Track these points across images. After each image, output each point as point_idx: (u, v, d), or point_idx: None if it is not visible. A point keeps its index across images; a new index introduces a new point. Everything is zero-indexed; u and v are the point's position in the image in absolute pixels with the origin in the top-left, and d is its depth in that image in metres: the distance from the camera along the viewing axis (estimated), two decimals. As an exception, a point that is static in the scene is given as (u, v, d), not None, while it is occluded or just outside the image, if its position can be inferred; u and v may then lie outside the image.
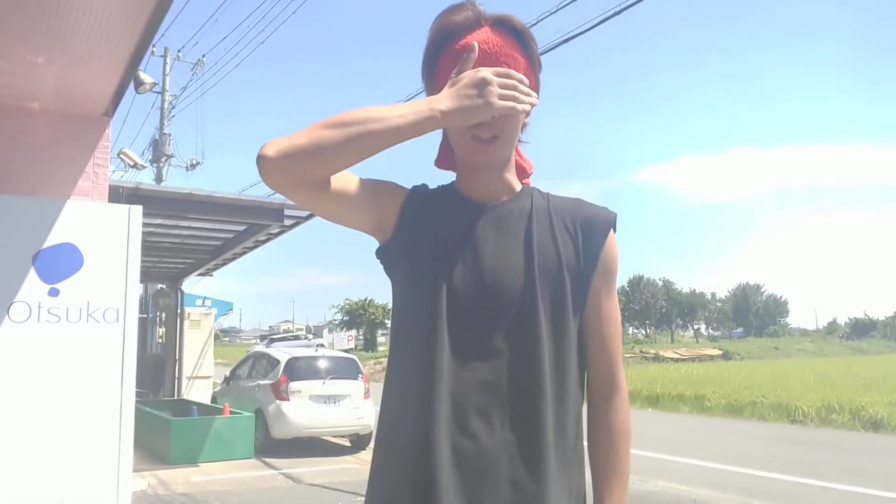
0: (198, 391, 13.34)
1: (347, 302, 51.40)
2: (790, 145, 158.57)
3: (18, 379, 3.77)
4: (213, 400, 12.23)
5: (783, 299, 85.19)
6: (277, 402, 9.85)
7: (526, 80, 1.23)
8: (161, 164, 19.71)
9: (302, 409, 9.80)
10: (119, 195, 6.53)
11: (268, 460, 9.20)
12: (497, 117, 1.22)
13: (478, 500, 1.17)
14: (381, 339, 49.10)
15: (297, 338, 42.27)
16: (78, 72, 4.13)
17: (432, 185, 1.39)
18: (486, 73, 1.19)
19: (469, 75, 1.20)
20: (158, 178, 19.53)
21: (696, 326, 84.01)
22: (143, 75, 10.26)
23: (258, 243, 10.54)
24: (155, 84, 13.09)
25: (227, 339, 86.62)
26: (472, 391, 1.20)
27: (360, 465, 8.95)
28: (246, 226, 9.45)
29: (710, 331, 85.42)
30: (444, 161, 1.41)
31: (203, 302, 16.72)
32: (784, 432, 13.16)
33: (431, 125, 1.19)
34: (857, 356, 46.79)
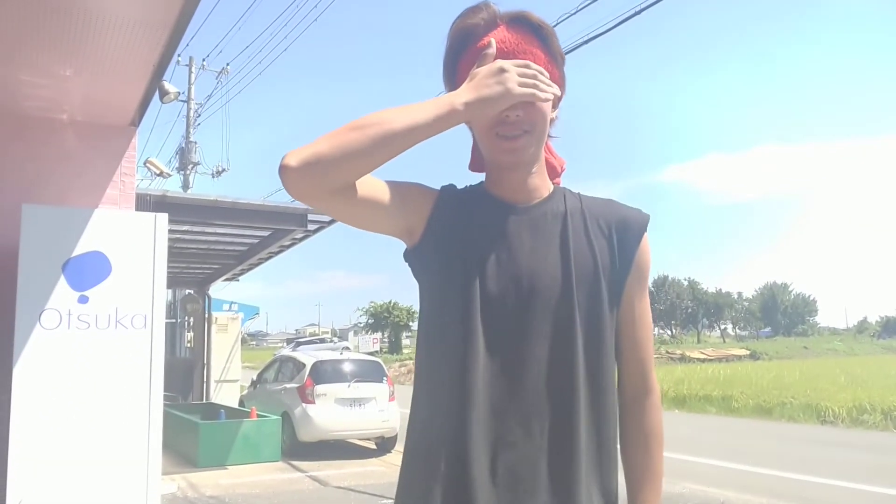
0: (225, 394, 13.45)
1: (372, 305, 51.44)
2: (816, 141, 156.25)
3: (50, 384, 3.85)
4: (241, 403, 12.34)
5: (812, 298, 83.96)
6: (303, 405, 9.93)
7: (546, 73, 1.22)
8: (188, 172, 19.95)
9: (327, 413, 9.86)
10: (147, 203, 6.64)
11: (294, 463, 9.27)
12: (521, 114, 1.21)
13: None
14: (405, 342, 49.13)
15: (322, 341, 42.37)
16: (105, 83, 4.21)
17: (459, 186, 1.37)
18: (503, 62, 1.19)
19: (487, 66, 1.19)
20: (185, 186, 19.76)
21: (722, 326, 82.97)
22: (167, 85, 10.38)
23: (283, 248, 10.64)
24: (179, 93, 13.25)
25: (253, 342, 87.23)
26: (510, 398, 1.19)
27: (385, 468, 8.98)
28: (270, 231, 9.56)
29: (738, 331, 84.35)
30: (476, 164, 1.38)
31: (230, 306, 16.88)
32: (814, 433, 12.95)
33: (454, 119, 1.17)
34: (889, 355, 45.94)
